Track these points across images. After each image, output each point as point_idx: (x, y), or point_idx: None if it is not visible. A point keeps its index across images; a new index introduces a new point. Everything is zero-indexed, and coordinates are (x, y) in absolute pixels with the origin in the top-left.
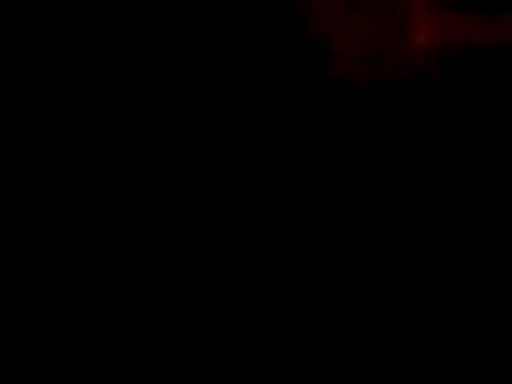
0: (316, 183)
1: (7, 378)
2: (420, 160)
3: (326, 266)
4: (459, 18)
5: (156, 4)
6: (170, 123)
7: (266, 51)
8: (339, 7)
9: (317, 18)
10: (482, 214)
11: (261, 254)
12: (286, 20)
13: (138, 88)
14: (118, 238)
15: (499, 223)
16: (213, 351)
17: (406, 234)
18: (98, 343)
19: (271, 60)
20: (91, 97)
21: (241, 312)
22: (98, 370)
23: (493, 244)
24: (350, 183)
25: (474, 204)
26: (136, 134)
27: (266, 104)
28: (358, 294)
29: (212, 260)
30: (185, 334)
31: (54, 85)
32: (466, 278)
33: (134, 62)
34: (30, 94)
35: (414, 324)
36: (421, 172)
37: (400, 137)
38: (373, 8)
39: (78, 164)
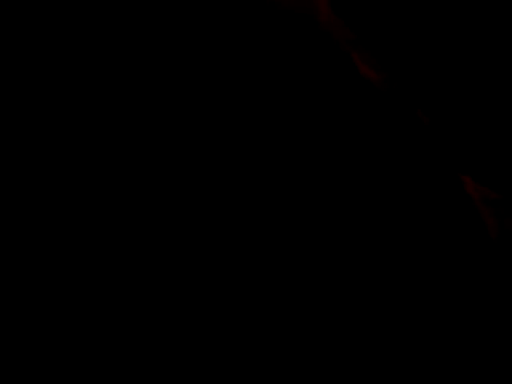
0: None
1: (7, 378)
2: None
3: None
4: None
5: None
6: (170, 123)
7: None
8: None
9: None
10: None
11: (261, 253)
12: None
13: (138, 88)
14: (117, 238)
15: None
16: (213, 351)
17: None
18: (98, 343)
19: None
20: (91, 97)
21: (241, 312)
22: (98, 370)
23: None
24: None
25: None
26: (136, 134)
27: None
28: (358, 293)
29: (212, 260)
30: (185, 334)
31: (54, 85)
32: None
33: (134, 62)
34: (30, 94)
35: (414, 324)
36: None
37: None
38: None
39: (78, 164)
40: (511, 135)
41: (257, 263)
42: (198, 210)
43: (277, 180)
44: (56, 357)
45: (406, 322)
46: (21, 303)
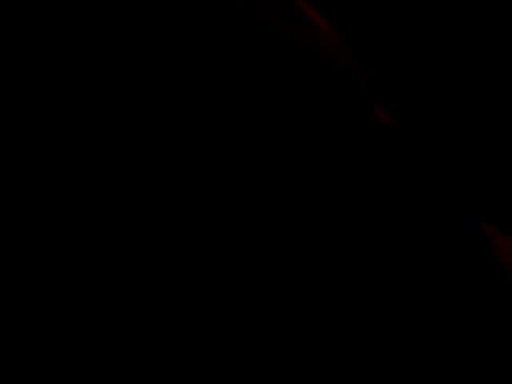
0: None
1: (7, 378)
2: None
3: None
4: None
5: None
6: (170, 123)
7: None
8: None
9: None
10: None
11: (261, 253)
12: None
13: (137, 88)
14: (117, 238)
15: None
16: (212, 351)
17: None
18: (98, 343)
19: None
20: (91, 97)
21: (240, 312)
22: (97, 370)
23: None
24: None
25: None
26: (136, 134)
27: None
28: (358, 293)
29: (212, 260)
30: (185, 334)
31: (54, 85)
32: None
33: (134, 62)
34: (30, 94)
35: (414, 324)
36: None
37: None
38: None
39: (78, 164)
40: None
41: (256, 263)
42: (197, 210)
43: (273, 178)
44: (56, 357)
45: (407, 327)
46: (21, 303)
